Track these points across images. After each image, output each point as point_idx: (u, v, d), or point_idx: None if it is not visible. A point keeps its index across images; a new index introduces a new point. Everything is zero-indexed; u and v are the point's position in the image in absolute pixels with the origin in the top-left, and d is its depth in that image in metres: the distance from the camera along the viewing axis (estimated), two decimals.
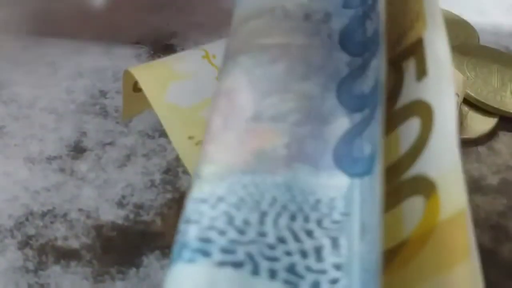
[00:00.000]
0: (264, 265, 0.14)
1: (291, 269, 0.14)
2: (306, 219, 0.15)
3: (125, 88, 0.23)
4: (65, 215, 0.24)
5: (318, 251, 0.14)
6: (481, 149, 0.27)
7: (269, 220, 0.15)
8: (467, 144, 0.28)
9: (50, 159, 0.26)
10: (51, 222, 0.23)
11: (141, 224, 0.24)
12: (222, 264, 0.14)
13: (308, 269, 0.14)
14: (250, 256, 0.14)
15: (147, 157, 0.26)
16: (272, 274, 0.14)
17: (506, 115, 0.28)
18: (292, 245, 0.14)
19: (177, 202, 0.24)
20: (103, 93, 0.29)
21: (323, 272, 0.14)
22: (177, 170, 0.26)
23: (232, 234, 0.14)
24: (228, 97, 0.18)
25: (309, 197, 0.16)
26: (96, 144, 0.26)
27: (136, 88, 0.23)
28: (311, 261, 0.14)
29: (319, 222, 0.15)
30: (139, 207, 0.24)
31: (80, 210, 0.24)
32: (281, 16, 0.20)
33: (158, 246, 0.23)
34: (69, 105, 0.28)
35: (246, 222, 0.15)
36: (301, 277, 0.14)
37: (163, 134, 0.27)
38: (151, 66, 0.22)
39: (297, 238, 0.15)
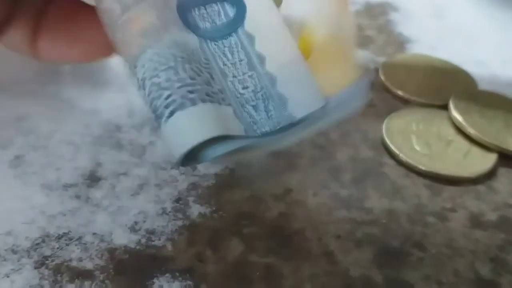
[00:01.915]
0: (203, 96, 0.20)
1: (208, 94, 0.20)
2: (195, 62, 0.21)
3: None
4: (80, 238, 0.25)
5: (211, 78, 0.21)
6: (481, 187, 0.29)
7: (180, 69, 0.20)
8: (467, 183, 0.29)
9: (66, 186, 0.27)
10: (67, 244, 0.24)
11: (153, 248, 0.24)
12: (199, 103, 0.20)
13: (214, 92, 0.20)
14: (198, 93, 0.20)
15: (159, 187, 0.27)
16: (205, 99, 0.20)
17: (505, 152, 0.29)
18: (200, 79, 0.20)
19: (188, 229, 0.25)
20: (118, 128, 0.30)
21: (218, 92, 0.21)
22: (187, 199, 0.27)
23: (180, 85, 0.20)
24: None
25: (188, 47, 0.21)
26: (111, 174, 0.28)
27: None
28: (213, 84, 0.21)
29: (200, 62, 0.21)
30: (151, 232, 0.25)
31: (94, 234, 0.25)
32: None
33: (169, 269, 0.24)
34: (86, 138, 0.29)
35: (168, 80, 0.20)
36: (216, 93, 0.20)
37: (175, 166, 0.28)
38: None
39: (199, 74, 0.20)
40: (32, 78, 0.33)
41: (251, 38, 0.22)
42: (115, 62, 0.34)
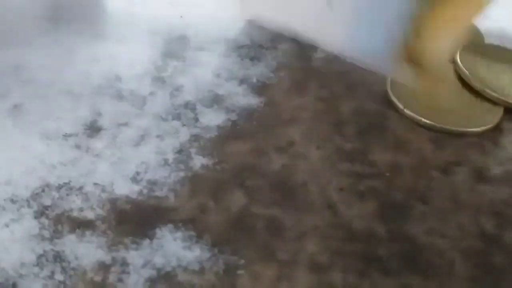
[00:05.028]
0: None
1: None
2: None
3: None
4: (80, 188, 0.24)
5: None
6: (486, 142, 0.28)
7: None
8: (472, 137, 0.28)
9: (66, 136, 0.26)
10: (67, 194, 0.24)
11: (155, 199, 0.24)
12: None
13: None
14: None
15: (160, 138, 0.27)
16: None
17: (511, 107, 0.29)
18: None
19: (190, 180, 0.25)
20: (118, 78, 0.29)
21: None
22: (189, 151, 0.26)
23: None
24: None
25: None
26: (112, 124, 0.27)
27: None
28: None
29: None
30: (152, 183, 0.25)
31: (95, 184, 0.24)
32: None
33: (171, 220, 0.23)
34: (86, 88, 0.29)
35: None
36: None
37: (176, 117, 0.28)
38: None
39: None
40: (31, 27, 0.32)
41: None
42: (115, 12, 0.33)
